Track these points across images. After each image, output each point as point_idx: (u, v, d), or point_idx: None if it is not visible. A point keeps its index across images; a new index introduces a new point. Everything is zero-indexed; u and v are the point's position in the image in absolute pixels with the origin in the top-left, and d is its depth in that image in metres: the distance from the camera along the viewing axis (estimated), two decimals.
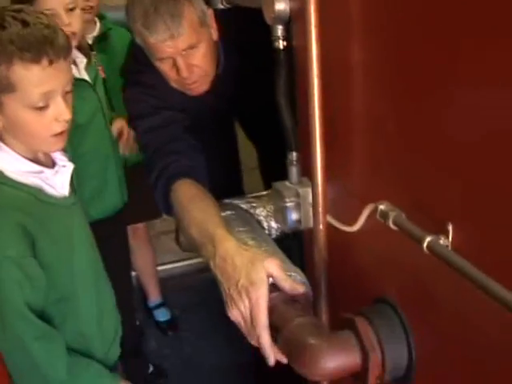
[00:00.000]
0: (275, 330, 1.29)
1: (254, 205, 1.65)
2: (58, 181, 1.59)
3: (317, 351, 1.19)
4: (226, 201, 1.69)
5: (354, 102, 1.25)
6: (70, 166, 1.63)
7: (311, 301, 1.39)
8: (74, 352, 1.62)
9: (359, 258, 1.36)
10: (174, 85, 1.79)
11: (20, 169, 1.52)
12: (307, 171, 1.38)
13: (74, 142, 2.16)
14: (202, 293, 3.40)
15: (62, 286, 1.60)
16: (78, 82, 1.93)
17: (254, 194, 1.70)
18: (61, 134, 1.50)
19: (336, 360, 1.19)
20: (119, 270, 2.64)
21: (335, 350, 1.20)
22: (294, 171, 1.47)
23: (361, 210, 1.21)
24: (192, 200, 1.63)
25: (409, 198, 1.12)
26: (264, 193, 1.68)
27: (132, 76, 1.93)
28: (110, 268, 2.49)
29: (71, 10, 2.11)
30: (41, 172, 1.54)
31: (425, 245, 0.99)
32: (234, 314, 1.34)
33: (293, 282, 1.33)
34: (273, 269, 1.30)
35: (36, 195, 1.53)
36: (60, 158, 1.62)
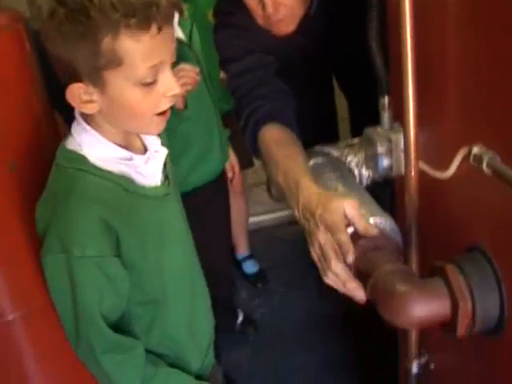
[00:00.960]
0: (364, 278, 1.28)
1: (346, 152, 1.62)
2: (149, 168, 1.41)
3: (405, 298, 1.16)
4: (317, 148, 1.67)
5: (447, 44, 1.20)
6: (164, 151, 1.45)
7: (401, 249, 1.36)
8: (162, 359, 1.49)
9: (451, 205, 1.32)
10: (260, 22, 1.75)
11: (107, 155, 1.33)
12: (399, 116, 1.34)
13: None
14: (293, 245, 3.43)
15: (150, 287, 1.44)
16: None
17: (345, 142, 1.67)
18: (165, 112, 1.32)
19: (425, 308, 1.17)
20: (220, 227, 2.67)
21: (424, 298, 1.17)
22: (385, 116, 1.43)
23: (454, 155, 1.18)
24: (279, 145, 1.62)
25: (504, 142, 1.07)
26: (356, 140, 1.65)
27: (224, 17, 1.90)
28: (212, 226, 2.53)
29: None
30: (130, 159, 1.36)
31: None
32: (315, 249, 1.36)
33: (366, 223, 1.32)
34: (348, 208, 1.30)
35: (123, 185, 1.34)
36: (153, 143, 1.45)
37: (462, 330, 1.17)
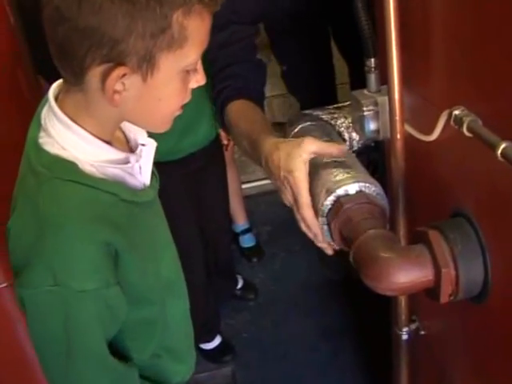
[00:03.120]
0: (348, 243, 1.26)
1: (335, 116, 1.59)
2: (143, 166, 1.19)
3: (387, 265, 1.14)
4: (307, 111, 1.63)
5: (432, 7, 1.18)
6: (153, 144, 1.23)
7: (387, 214, 1.34)
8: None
9: (437, 170, 1.30)
10: None
11: (99, 158, 1.09)
12: (386, 79, 1.31)
13: None
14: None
15: (149, 303, 1.24)
16: None
17: (335, 105, 1.63)
18: None
19: (407, 274, 1.15)
20: (218, 198, 2.66)
21: (406, 264, 1.15)
22: (372, 79, 1.40)
23: (438, 118, 1.14)
24: (241, 117, 1.64)
25: (486, 105, 1.05)
26: (346, 103, 1.61)
27: None
28: (209, 192, 2.52)
29: None
30: (126, 161, 1.14)
31: (499, 151, 0.93)
32: (287, 197, 1.38)
33: (334, 144, 1.36)
34: (311, 146, 1.31)
35: (120, 195, 1.11)
36: (139, 133, 1.22)
37: (445, 296, 1.15)
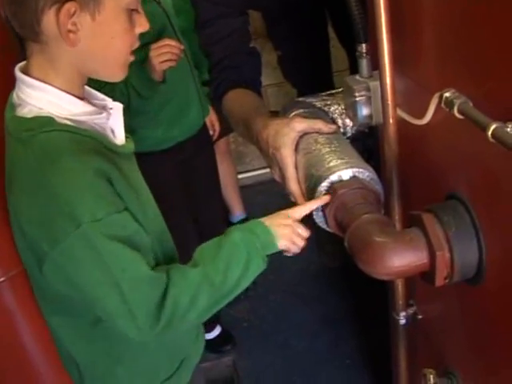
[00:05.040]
0: (342, 228, 1.26)
1: (329, 102, 1.58)
2: (115, 128, 1.29)
3: (382, 249, 1.15)
4: (300, 99, 1.63)
5: None
6: (120, 106, 1.31)
7: (382, 199, 1.34)
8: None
9: (430, 153, 1.30)
10: None
11: (75, 111, 1.20)
12: (377, 64, 1.31)
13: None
14: (290, 198, 3.41)
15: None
16: None
17: (328, 92, 1.63)
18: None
19: (401, 258, 1.15)
20: (210, 186, 2.67)
21: (401, 248, 1.16)
22: (364, 64, 1.39)
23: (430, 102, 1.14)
24: (235, 103, 1.70)
25: (476, 87, 1.05)
26: (339, 90, 1.61)
27: None
28: (200, 182, 2.53)
29: None
30: (100, 112, 1.25)
31: (489, 132, 0.92)
32: (276, 171, 1.45)
33: (321, 121, 1.42)
34: (299, 124, 1.39)
35: (103, 143, 1.22)
36: (103, 99, 1.31)
37: (440, 279, 1.16)
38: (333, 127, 1.43)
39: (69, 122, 1.18)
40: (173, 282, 1.19)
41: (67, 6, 1.10)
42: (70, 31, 1.12)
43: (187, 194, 2.49)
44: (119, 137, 1.29)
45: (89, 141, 1.18)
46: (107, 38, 1.17)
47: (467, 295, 1.28)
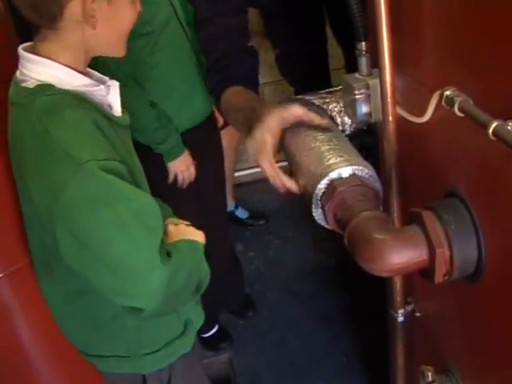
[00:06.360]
0: (342, 225, 1.27)
1: (327, 100, 1.59)
2: (112, 103, 1.42)
3: (381, 246, 1.15)
4: (298, 96, 1.63)
5: None
6: (116, 84, 1.44)
7: (381, 197, 1.34)
8: None
9: (429, 151, 1.30)
10: None
11: (77, 84, 1.32)
12: (377, 61, 1.31)
13: (146, 50, 2.14)
14: (288, 198, 3.41)
15: None
16: None
17: (327, 90, 1.63)
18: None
19: (401, 255, 1.15)
20: (215, 176, 2.66)
21: (400, 245, 1.16)
22: (363, 62, 1.39)
23: (430, 100, 1.15)
24: (232, 99, 1.69)
25: (477, 85, 1.05)
26: (338, 88, 1.61)
27: None
28: (206, 174, 2.53)
29: None
30: (98, 85, 1.37)
31: (490, 130, 0.93)
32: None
33: (315, 114, 1.42)
34: (295, 109, 1.39)
35: (103, 112, 1.35)
36: (101, 76, 1.44)
37: (439, 276, 1.16)
38: (329, 123, 1.43)
39: (70, 89, 1.30)
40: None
41: None
42: (91, 16, 1.27)
43: (192, 184, 2.47)
44: (116, 110, 1.42)
45: (88, 106, 1.30)
46: (119, 19, 1.34)
47: (465, 292, 1.28)
